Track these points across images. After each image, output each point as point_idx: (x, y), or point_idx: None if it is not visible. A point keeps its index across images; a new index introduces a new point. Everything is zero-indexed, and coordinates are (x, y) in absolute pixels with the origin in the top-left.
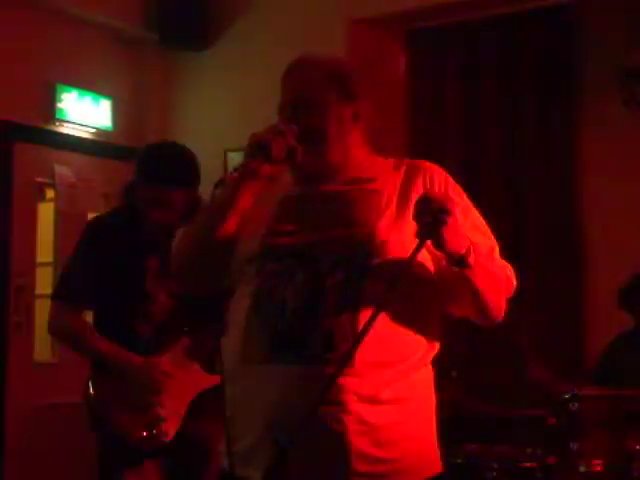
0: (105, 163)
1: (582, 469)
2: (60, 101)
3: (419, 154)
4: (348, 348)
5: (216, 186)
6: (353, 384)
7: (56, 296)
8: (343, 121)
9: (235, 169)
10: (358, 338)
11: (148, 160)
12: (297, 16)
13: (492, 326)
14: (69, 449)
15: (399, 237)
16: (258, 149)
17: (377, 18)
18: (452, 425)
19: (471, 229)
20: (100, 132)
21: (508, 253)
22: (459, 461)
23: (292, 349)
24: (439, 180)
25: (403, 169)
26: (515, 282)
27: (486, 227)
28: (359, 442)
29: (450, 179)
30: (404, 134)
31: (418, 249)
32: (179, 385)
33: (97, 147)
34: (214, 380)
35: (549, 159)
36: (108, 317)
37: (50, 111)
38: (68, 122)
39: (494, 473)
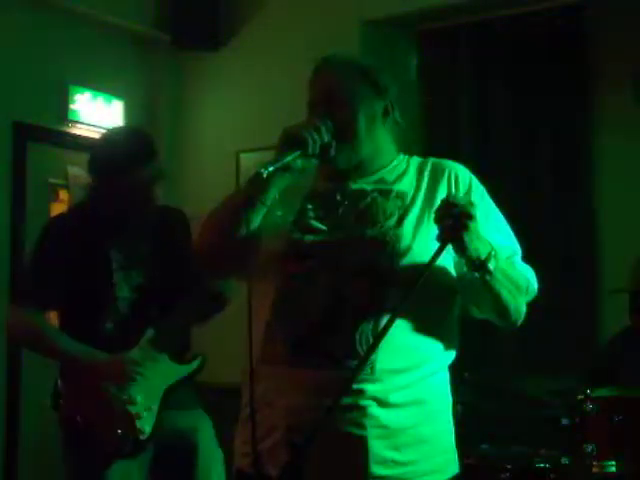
0: None
1: (595, 470)
2: (73, 102)
3: (432, 154)
4: (366, 353)
5: (252, 181)
6: (373, 389)
7: (14, 299)
8: (374, 116)
9: (269, 163)
10: (375, 343)
11: (116, 148)
12: (310, 16)
13: (512, 328)
14: None
15: (423, 241)
16: (294, 143)
17: (390, 18)
18: (466, 426)
19: (493, 232)
20: None
21: (523, 253)
22: (473, 462)
23: (313, 353)
24: (464, 181)
25: (428, 169)
26: (536, 285)
27: (508, 230)
28: (378, 446)
29: (475, 180)
30: (418, 133)
31: (438, 253)
32: (149, 379)
33: None
34: (185, 370)
35: (564, 159)
36: (71, 316)
37: (63, 112)
38: (81, 123)
39: (508, 474)
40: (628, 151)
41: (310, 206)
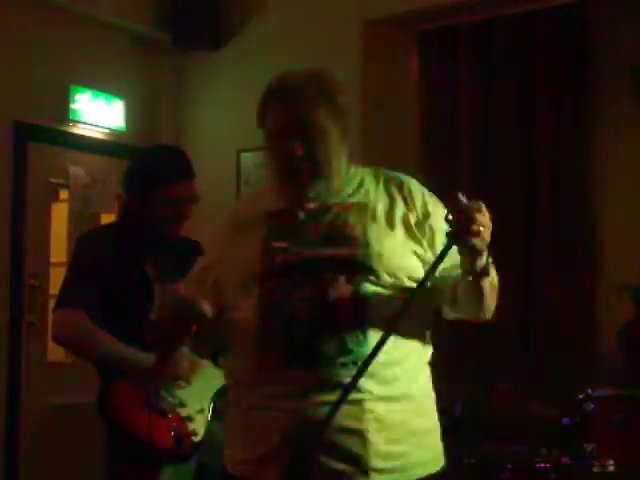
0: (118, 163)
1: (596, 469)
2: (74, 102)
3: (433, 153)
4: (366, 358)
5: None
6: (368, 383)
7: (60, 304)
8: (340, 142)
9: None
10: (375, 351)
11: (154, 164)
12: (311, 16)
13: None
14: (82, 448)
15: (391, 249)
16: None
17: (390, 18)
18: (467, 425)
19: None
20: (113, 133)
21: (521, 253)
22: (474, 461)
23: (308, 356)
24: (417, 193)
25: (382, 181)
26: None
27: None
28: (376, 439)
29: (426, 191)
30: (418, 133)
31: (443, 254)
32: (196, 382)
33: (110, 147)
34: None
35: (562, 158)
36: (111, 322)
37: (64, 112)
38: (82, 123)
39: (508, 474)
40: (628, 151)
41: (274, 226)
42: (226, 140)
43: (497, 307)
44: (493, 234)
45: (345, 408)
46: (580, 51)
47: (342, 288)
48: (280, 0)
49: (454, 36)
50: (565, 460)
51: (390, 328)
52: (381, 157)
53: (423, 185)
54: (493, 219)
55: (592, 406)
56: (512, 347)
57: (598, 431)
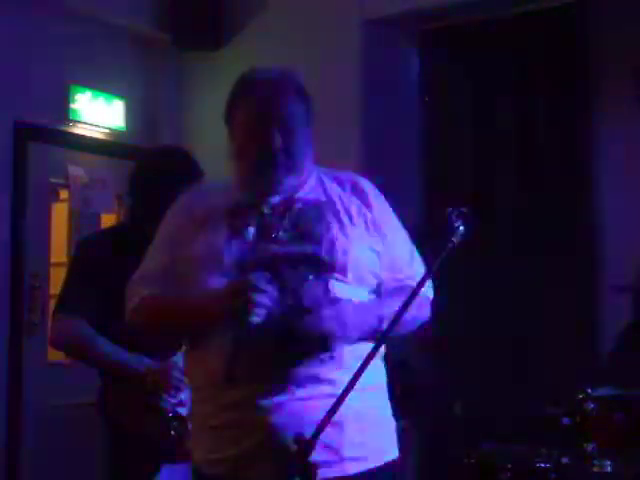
0: (118, 163)
1: (596, 469)
2: (74, 102)
3: (433, 153)
4: (371, 350)
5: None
6: (344, 376)
7: (57, 310)
8: (308, 139)
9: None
10: (366, 361)
11: (163, 165)
12: (311, 15)
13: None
14: (84, 449)
15: (354, 244)
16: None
17: (390, 18)
18: (467, 425)
19: (401, 243)
20: (113, 132)
21: (521, 253)
22: (474, 461)
23: (292, 354)
24: (370, 192)
25: (336, 180)
26: (430, 290)
27: (405, 233)
28: (351, 429)
29: (377, 191)
30: (418, 133)
31: (448, 254)
32: None
33: (110, 147)
34: None
35: (565, 158)
36: (108, 328)
37: (64, 112)
38: (82, 123)
39: (508, 474)
40: (628, 150)
41: (240, 223)
42: (226, 140)
43: (497, 307)
44: (492, 234)
45: (325, 402)
46: (580, 51)
47: (314, 288)
48: (280, 0)
49: (454, 36)
50: (565, 460)
51: (386, 332)
52: (381, 157)
53: (416, 184)
54: (493, 219)
55: (592, 406)
56: (513, 347)
57: (598, 431)
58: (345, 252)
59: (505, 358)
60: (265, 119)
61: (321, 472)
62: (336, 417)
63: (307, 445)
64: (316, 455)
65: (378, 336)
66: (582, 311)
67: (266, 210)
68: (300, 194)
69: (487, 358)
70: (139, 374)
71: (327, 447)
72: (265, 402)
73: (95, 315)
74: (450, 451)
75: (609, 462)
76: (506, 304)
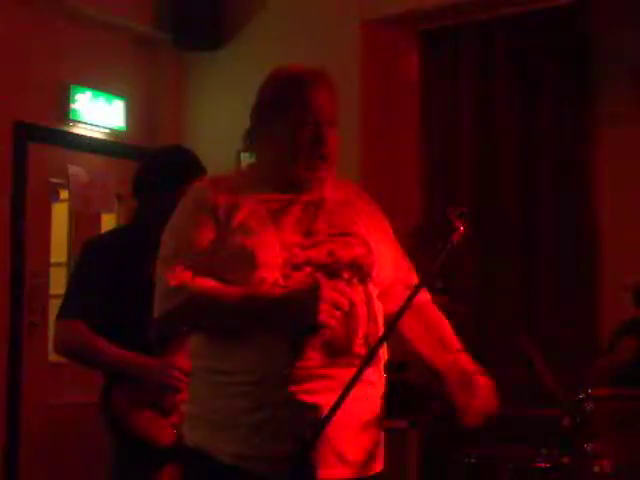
0: (118, 163)
1: (596, 470)
2: (74, 102)
3: (433, 153)
4: (377, 342)
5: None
6: (380, 378)
7: (59, 314)
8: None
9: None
10: (385, 335)
11: (169, 164)
12: (311, 16)
13: None
14: (83, 448)
15: (376, 245)
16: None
17: (390, 18)
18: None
19: (395, 247)
20: (113, 132)
21: (521, 253)
22: (474, 461)
23: (339, 354)
24: (371, 202)
25: (342, 184)
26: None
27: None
28: (352, 434)
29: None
30: (418, 133)
31: (448, 253)
32: None
33: (111, 147)
34: None
35: (564, 158)
36: (114, 329)
37: (64, 112)
38: (82, 123)
39: (508, 473)
40: (628, 151)
41: (283, 220)
42: (226, 140)
43: (497, 308)
44: (493, 235)
45: (369, 403)
46: (580, 51)
47: (359, 292)
48: (280, 0)
49: (454, 36)
50: (565, 460)
51: (390, 327)
52: (381, 157)
53: (416, 184)
54: (493, 219)
55: (592, 406)
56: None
57: (598, 431)
58: (374, 253)
59: (505, 358)
60: (328, 115)
61: (321, 473)
62: (343, 421)
63: (307, 445)
64: (317, 456)
65: (379, 338)
66: (582, 311)
67: (303, 206)
68: (327, 193)
69: (487, 357)
70: (142, 374)
71: (330, 450)
72: (312, 401)
73: (98, 317)
74: (450, 451)
75: (609, 462)
76: (504, 300)
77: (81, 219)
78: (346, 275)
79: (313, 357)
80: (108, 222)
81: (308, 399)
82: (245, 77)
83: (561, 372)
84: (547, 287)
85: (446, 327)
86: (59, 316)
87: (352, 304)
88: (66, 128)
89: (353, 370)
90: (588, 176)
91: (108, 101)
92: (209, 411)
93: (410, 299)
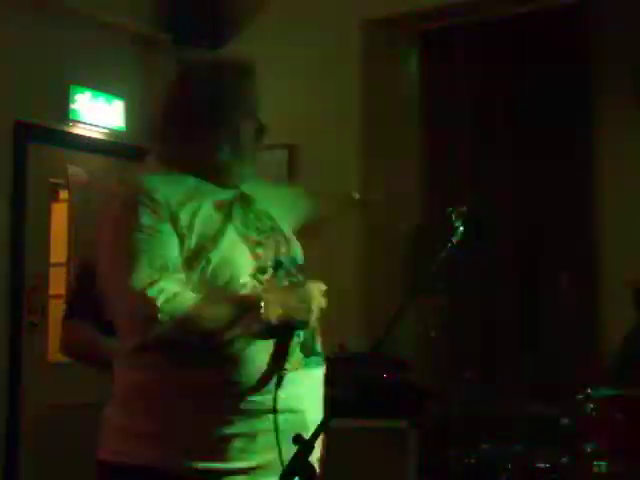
0: (118, 163)
1: (596, 470)
2: (74, 102)
3: (433, 153)
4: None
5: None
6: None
7: (64, 316)
8: None
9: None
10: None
11: None
12: (310, 16)
13: None
14: (84, 449)
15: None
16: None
17: (390, 18)
18: (467, 425)
19: None
20: (113, 132)
21: (521, 253)
22: (474, 461)
23: (314, 355)
24: None
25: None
26: None
27: None
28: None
29: None
30: (418, 134)
31: (447, 252)
32: None
33: (110, 147)
34: None
35: (565, 160)
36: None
37: (64, 112)
38: (82, 123)
39: (508, 474)
40: (628, 151)
41: (233, 219)
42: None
43: (497, 307)
44: (491, 234)
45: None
46: (580, 51)
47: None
48: (280, 0)
49: (454, 36)
50: (565, 460)
51: (389, 328)
52: (381, 157)
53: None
54: (492, 219)
55: (592, 406)
56: (513, 347)
57: (598, 431)
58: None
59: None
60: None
61: None
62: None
63: (307, 445)
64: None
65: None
66: (583, 311)
67: (240, 204)
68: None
69: (487, 357)
70: None
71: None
72: (301, 405)
73: (105, 317)
74: (450, 451)
75: (609, 462)
76: (507, 302)
77: (80, 219)
78: (296, 272)
79: (293, 360)
80: None
81: (295, 404)
82: None
83: (561, 372)
84: (547, 287)
85: None
86: (65, 317)
87: None
88: (66, 128)
89: (322, 369)
90: (588, 176)
91: (108, 101)
92: (172, 426)
93: (410, 299)
